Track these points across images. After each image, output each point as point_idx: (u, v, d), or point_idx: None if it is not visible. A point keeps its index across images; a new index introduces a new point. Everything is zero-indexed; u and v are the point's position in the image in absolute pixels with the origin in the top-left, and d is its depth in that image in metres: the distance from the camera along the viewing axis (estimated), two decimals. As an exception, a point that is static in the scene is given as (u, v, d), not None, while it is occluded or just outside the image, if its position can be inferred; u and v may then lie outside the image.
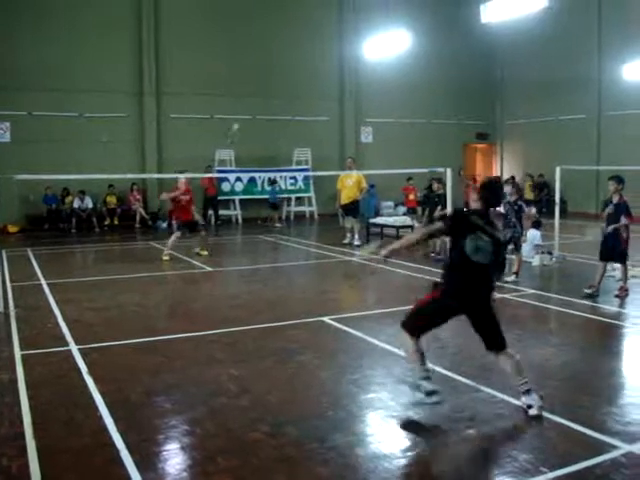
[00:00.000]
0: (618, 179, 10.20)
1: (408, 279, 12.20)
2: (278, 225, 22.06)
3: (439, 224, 5.95)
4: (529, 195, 23.92)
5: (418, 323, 5.60)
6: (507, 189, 12.01)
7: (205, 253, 14.95)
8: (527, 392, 5.48)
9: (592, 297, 9.99)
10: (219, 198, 22.77)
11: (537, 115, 26.44)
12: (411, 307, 5.74)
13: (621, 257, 10.14)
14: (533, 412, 5.41)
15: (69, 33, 21.41)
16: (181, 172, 15.18)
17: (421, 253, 13.77)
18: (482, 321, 5.54)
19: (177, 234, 14.52)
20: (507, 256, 12.62)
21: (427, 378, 5.59)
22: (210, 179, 21.92)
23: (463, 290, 5.53)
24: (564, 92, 24.69)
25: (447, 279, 5.70)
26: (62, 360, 7.08)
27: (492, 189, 5.73)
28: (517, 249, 11.56)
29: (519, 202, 11.57)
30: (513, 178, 21.45)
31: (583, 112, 24.63)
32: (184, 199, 14.64)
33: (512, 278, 11.34)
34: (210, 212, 22.53)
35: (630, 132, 22.67)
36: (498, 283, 11.21)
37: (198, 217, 15.59)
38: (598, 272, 10.24)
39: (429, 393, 5.52)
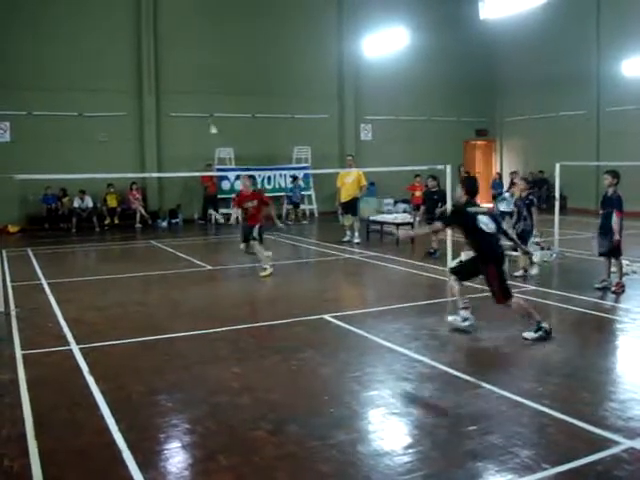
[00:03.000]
0: (613, 173, 10.22)
1: (408, 276, 12.23)
2: (304, 222, 22.22)
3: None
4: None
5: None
6: (521, 184, 12.14)
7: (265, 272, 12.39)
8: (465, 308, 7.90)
9: (604, 290, 10.12)
10: (219, 197, 22.75)
11: (536, 111, 26.42)
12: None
13: (615, 252, 10.16)
14: (466, 324, 7.87)
15: (68, 32, 21.35)
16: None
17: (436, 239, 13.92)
18: None
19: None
20: (513, 253, 12.72)
21: (466, 308, 7.89)
22: (210, 177, 21.95)
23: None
24: (563, 88, 24.67)
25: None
26: (63, 360, 7.09)
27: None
28: (525, 243, 11.62)
29: (530, 197, 11.70)
30: (516, 173, 21.50)
31: (582, 108, 24.60)
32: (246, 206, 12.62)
33: (535, 271, 11.62)
34: (211, 211, 22.56)
35: (629, 128, 22.66)
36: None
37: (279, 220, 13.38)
38: (605, 267, 10.39)
39: (465, 319, 7.87)
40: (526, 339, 7.49)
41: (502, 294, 7.67)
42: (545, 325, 7.54)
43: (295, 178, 23.28)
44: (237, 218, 13.08)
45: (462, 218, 7.98)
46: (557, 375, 6.41)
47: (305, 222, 22.43)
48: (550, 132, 25.77)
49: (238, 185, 23.01)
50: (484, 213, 7.90)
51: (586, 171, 22.01)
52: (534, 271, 11.59)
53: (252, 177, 13.35)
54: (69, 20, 21.40)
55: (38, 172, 15.77)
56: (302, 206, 23.77)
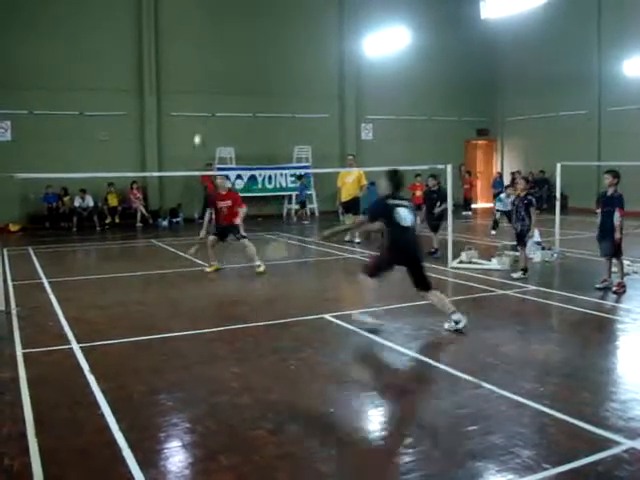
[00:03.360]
0: (614, 173, 10.24)
1: (408, 275, 12.18)
2: (306, 222, 22.24)
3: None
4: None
5: None
6: (520, 184, 11.99)
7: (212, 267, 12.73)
8: (453, 312, 7.83)
9: (605, 290, 10.10)
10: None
11: (537, 111, 26.43)
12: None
13: (615, 252, 10.17)
14: (461, 325, 7.74)
15: (69, 32, 21.41)
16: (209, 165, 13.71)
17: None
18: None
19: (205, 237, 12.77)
20: (512, 252, 12.65)
21: (454, 312, 7.83)
22: (209, 176, 21.93)
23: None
24: (564, 88, 24.67)
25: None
26: (64, 358, 7.09)
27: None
28: (523, 244, 11.51)
29: (529, 197, 11.50)
30: (519, 172, 21.52)
31: (584, 108, 24.61)
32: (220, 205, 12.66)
33: (519, 274, 11.28)
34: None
35: (630, 128, 22.66)
36: (505, 280, 11.23)
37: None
38: (606, 267, 10.36)
39: (457, 322, 7.78)
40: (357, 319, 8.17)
41: (369, 268, 8.19)
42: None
43: (300, 177, 23.28)
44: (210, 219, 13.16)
45: (383, 210, 8.02)
46: (558, 375, 6.40)
47: (306, 222, 22.44)
48: (551, 132, 25.77)
49: (239, 185, 23.17)
50: (404, 206, 7.98)
51: (587, 171, 22.01)
52: (516, 274, 11.33)
53: (227, 177, 13.27)
54: (69, 19, 21.44)
55: (39, 171, 15.80)
56: (287, 206, 23.93)
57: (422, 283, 8.11)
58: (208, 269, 12.67)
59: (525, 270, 11.36)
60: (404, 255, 8.04)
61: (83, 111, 21.65)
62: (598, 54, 24.06)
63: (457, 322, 7.81)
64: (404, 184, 8.35)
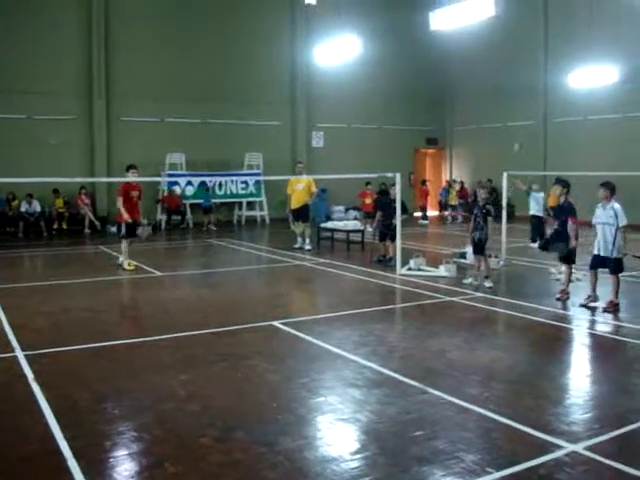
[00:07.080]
0: (563, 182, 10.45)
1: (357, 282, 12.29)
2: (213, 228, 22.09)
3: None
4: (454, 201, 25.92)
5: None
6: (482, 193, 12.06)
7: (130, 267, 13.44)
8: None
9: (548, 297, 10.34)
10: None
11: (485, 121, 26.86)
12: None
13: (565, 259, 10.35)
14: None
15: (17, 34, 21.05)
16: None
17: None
18: None
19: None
20: (461, 260, 12.81)
21: None
22: (170, 197, 22.38)
23: None
24: (512, 99, 25.16)
25: None
26: (7, 367, 6.96)
27: None
28: (482, 252, 11.52)
29: (487, 206, 11.54)
30: (462, 183, 21.75)
31: (530, 119, 25.13)
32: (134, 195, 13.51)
33: (489, 284, 11.30)
34: (177, 217, 23.00)
35: (575, 138, 23.21)
36: (452, 287, 11.36)
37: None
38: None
39: None
40: None
41: None
42: None
43: (207, 188, 23.28)
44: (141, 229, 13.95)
45: None
46: (502, 381, 6.51)
47: (214, 229, 22.23)
48: (498, 141, 26.23)
49: (189, 191, 23.15)
50: None
51: (534, 180, 22.39)
52: (488, 283, 11.31)
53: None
54: (18, 21, 21.07)
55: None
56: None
57: None
58: (127, 267, 13.32)
59: (485, 277, 11.46)
60: None
61: (31, 115, 21.31)
62: (544, 66, 24.62)
63: None
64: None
